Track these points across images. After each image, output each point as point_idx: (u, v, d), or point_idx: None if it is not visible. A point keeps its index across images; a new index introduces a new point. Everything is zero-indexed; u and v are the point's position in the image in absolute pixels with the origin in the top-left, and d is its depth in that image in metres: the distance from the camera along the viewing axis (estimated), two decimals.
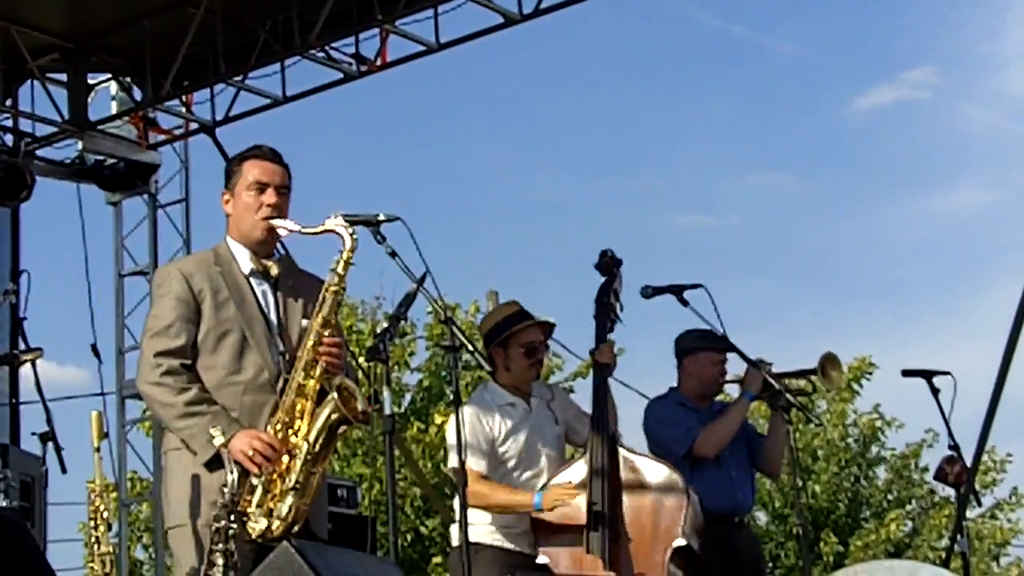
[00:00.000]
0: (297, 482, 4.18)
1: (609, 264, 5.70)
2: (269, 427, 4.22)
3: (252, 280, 4.43)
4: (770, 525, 18.20)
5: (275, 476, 4.18)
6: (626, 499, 5.39)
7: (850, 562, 16.69)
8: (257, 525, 4.14)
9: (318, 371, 4.26)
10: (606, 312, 5.65)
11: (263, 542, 4.12)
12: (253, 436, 4.16)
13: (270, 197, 4.45)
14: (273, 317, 4.41)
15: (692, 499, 5.39)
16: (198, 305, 4.33)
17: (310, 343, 4.27)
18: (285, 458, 4.19)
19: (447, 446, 5.72)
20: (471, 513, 5.39)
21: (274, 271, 4.47)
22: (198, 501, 4.22)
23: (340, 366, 4.33)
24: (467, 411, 5.51)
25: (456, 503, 5.45)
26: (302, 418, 4.24)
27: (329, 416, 4.22)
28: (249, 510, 4.15)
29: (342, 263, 4.34)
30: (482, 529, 5.42)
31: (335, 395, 4.22)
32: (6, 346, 8.95)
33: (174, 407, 4.21)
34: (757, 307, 25.76)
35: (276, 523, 4.15)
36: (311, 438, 4.21)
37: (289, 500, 4.16)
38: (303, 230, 4.53)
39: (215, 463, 4.14)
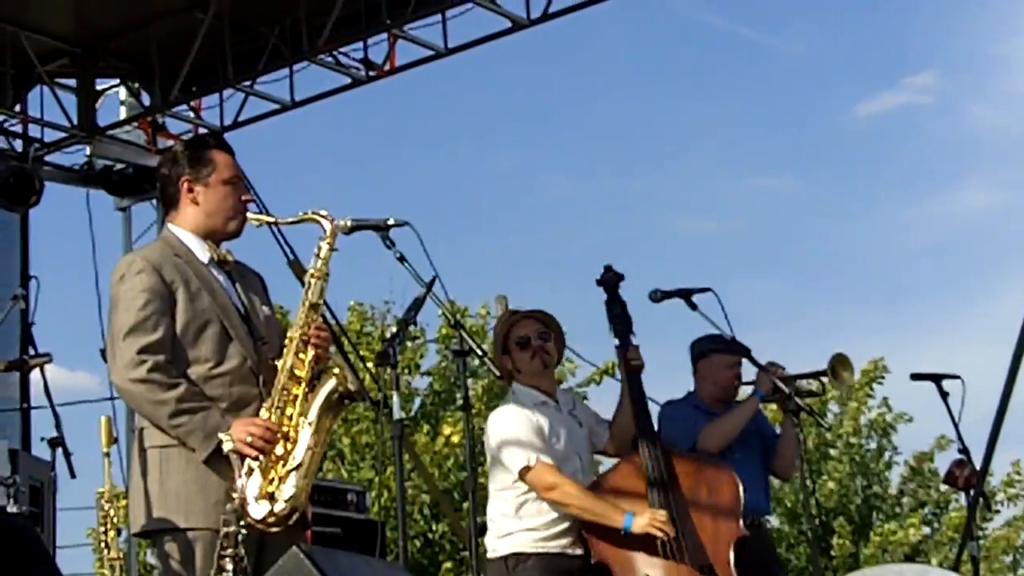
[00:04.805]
0: (300, 462, 4.12)
1: (613, 279, 5.72)
2: (264, 411, 4.16)
3: (212, 270, 4.34)
4: (783, 526, 18.18)
5: (272, 461, 4.11)
6: (685, 498, 5.39)
7: (865, 562, 16.68)
8: (259, 509, 4.06)
9: (309, 355, 4.23)
10: (622, 321, 5.65)
11: (266, 527, 4.06)
12: (249, 423, 4.10)
13: (247, 193, 4.44)
14: (239, 306, 4.34)
15: (742, 489, 5.46)
16: (172, 296, 4.20)
17: (300, 327, 4.24)
18: (281, 442, 4.13)
19: (498, 446, 5.47)
20: (507, 522, 5.39)
21: (230, 259, 4.41)
22: (201, 501, 4.12)
23: (328, 349, 4.31)
24: (511, 410, 5.48)
25: (496, 510, 5.41)
26: (295, 403, 4.18)
27: (331, 392, 4.19)
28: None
29: (324, 248, 4.34)
30: (522, 537, 5.36)
31: (336, 371, 4.21)
32: (16, 351, 8.95)
33: (166, 404, 4.08)
34: (766, 310, 25.76)
35: (280, 505, 4.07)
36: (312, 417, 4.16)
37: (292, 480, 4.10)
38: (279, 221, 4.54)
39: (214, 459, 4.08)
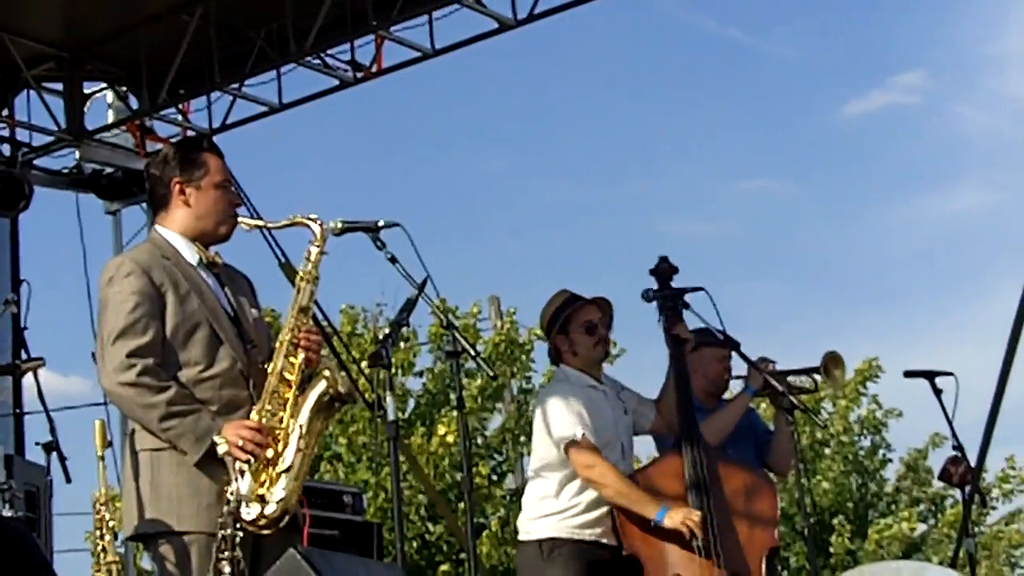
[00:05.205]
0: (290, 465, 4.11)
1: (667, 271, 5.75)
2: (254, 414, 4.14)
3: (201, 272, 4.33)
4: (780, 526, 18.19)
5: (262, 464, 4.10)
6: (726, 502, 5.40)
7: (864, 559, 16.71)
8: (250, 511, 4.05)
9: (299, 358, 4.22)
10: (674, 306, 5.69)
11: (257, 529, 4.05)
12: (240, 426, 4.08)
13: (237, 197, 4.44)
14: (228, 308, 4.32)
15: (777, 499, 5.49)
16: (161, 299, 4.18)
17: (289, 331, 4.24)
18: (272, 445, 4.12)
19: (546, 421, 5.48)
20: (545, 504, 5.42)
21: (219, 262, 4.40)
22: (192, 504, 4.11)
23: (320, 352, 4.30)
24: (562, 389, 5.50)
25: (536, 492, 5.42)
26: (285, 405, 4.17)
27: (321, 394, 4.19)
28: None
29: (314, 252, 4.33)
30: (560, 521, 5.38)
31: (326, 373, 4.20)
32: (8, 356, 8.94)
33: (155, 408, 4.06)
34: (761, 313, 25.80)
35: (271, 507, 4.06)
36: (302, 419, 4.15)
37: (283, 483, 4.09)
38: (268, 225, 4.54)
39: (205, 461, 4.08)
